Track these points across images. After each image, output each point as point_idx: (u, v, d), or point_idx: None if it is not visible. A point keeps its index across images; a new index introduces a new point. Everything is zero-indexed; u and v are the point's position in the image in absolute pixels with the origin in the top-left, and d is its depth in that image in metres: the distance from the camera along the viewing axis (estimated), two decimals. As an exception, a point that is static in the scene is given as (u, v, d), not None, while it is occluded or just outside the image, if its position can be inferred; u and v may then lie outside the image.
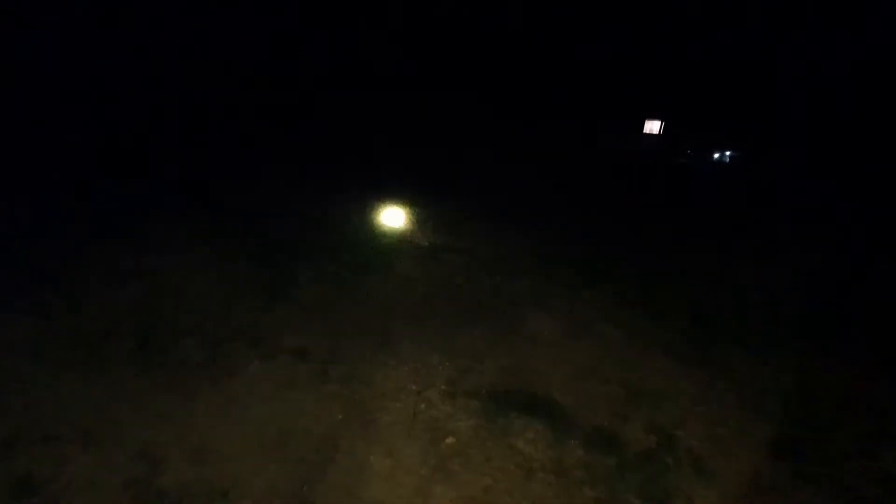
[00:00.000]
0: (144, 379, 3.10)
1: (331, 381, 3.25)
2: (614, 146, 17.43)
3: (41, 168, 7.12)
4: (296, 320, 3.99)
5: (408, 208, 7.48)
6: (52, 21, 8.45)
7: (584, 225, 7.51)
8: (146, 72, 9.93)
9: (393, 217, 7.03)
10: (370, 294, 4.57)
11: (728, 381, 3.55)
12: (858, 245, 7.59)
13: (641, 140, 18.91)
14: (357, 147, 10.19)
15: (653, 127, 19.89)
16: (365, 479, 2.49)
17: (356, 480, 2.48)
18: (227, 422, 2.80)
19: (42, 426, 2.65)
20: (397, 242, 6.02)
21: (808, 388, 3.57)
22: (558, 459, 2.70)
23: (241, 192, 7.63)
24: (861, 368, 3.86)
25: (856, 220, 9.27)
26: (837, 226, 8.81)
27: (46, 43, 8.38)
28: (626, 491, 2.52)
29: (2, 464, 2.40)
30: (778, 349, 4.07)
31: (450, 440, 2.80)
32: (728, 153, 18.54)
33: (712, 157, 18.39)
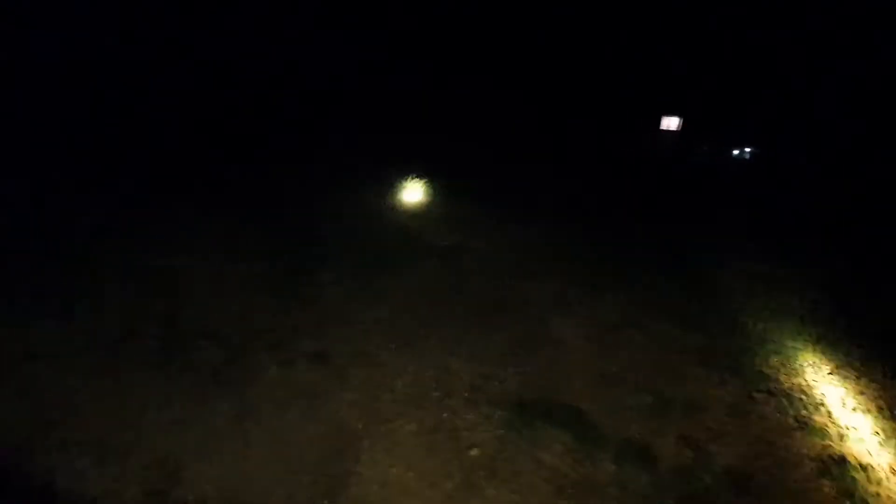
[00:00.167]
0: (164, 384, 3.04)
1: (350, 388, 3.16)
2: (632, 143, 17.11)
3: (54, 168, 7.13)
4: (313, 322, 3.91)
5: (423, 208, 7.38)
6: (56, 18, 8.44)
7: (602, 224, 7.32)
8: (152, 70, 9.91)
9: (408, 216, 6.93)
10: (388, 295, 4.47)
11: (765, 392, 3.39)
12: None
13: (659, 137, 18.55)
14: (369, 147, 10.10)
15: (671, 124, 19.51)
16: (388, 493, 2.40)
17: (379, 495, 2.39)
18: (246, 430, 2.73)
19: (61, 433, 2.60)
20: (413, 242, 5.92)
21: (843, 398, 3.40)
22: (589, 475, 2.58)
23: (256, 191, 7.59)
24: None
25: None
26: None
27: (51, 41, 8.37)
28: (662, 510, 2.40)
29: (21, 473, 2.35)
30: (825, 360, 3.90)
31: (474, 452, 2.70)
32: (748, 150, 18.09)
33: (731, 154, 17.97)
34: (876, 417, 3.20)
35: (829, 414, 3.25)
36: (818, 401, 3.38)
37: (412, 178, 8.47)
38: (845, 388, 3.53)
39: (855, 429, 3.09)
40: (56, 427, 2.65)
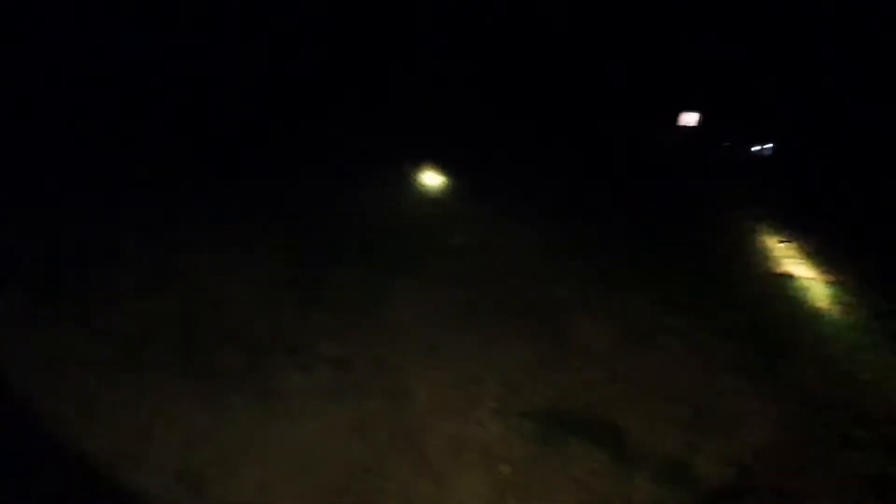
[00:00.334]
0: (184, 391, 2.96)
1: (373, 396, 3.06)
2: (650, 139, 16.79)
3: (66, 168, 7.12)
4: (333, 326, 3.81)
5: (438, 207, 7.25)
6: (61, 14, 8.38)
7: (621, 222, 7.12)
8: (154, 67, 9.86)
9: (425, 215, 6.81)
10: (407, 298, 4.36)
11: (809, 405, 3.21)
12: None
13: (678, 133, 18.18)
14: (381, 147, 9.99)
15: (689, 119, 19.10)
16: (416, 512, 2.29)
17: (407, 514, 2.28)
18: (268, 441, 2.63)
19: (79, 444, 2.53)
20: (431, 241, 5.79)
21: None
22: (627, 495, 2.45)
23: (270, 190, 7.52)
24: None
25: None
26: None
27: (56, 37, 8.32)
28: (708, 535, 2.26)
29: (36, 487, 2.28)
30: (852, 365, 3.71)
31: (505, 469, 2.57)
32: (769, 145, 17.66)
33: (751, 150, 17.55)
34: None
35: (877, 428, 3.08)
36: (862, 413, 3.21)
37: (427, 178, 8.34)
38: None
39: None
40: (73, 436, 2.58)
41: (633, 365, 3.54)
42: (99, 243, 4.97)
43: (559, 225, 6.65)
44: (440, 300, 4.34)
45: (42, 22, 8.44)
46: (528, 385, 3.25)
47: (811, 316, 4.52)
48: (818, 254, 6.14)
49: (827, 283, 5.22)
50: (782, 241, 6.53)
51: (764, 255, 6.01)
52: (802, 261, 5.80)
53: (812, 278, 5.31)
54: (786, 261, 5.79)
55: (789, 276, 5.34)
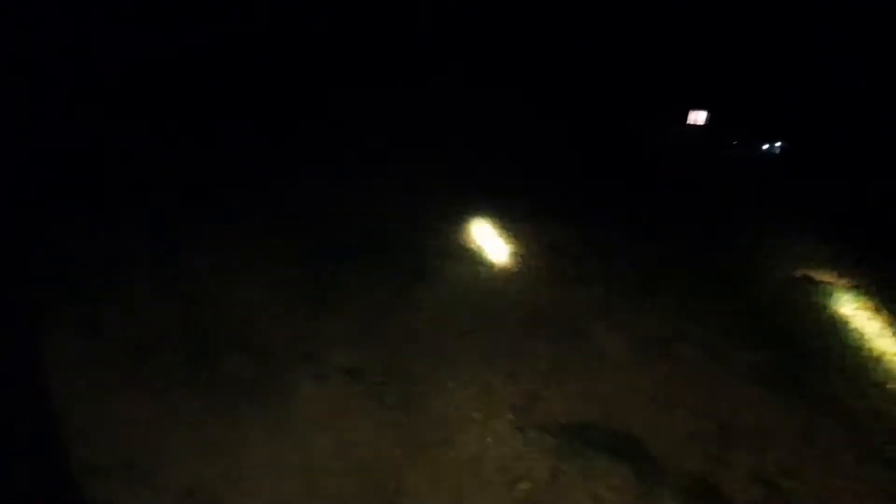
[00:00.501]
0: (193, 401, 2.91)
1: (388, 407, 2.98)
2: (658, 138, 16.61)
3: (72, 173, 7.09)
4: (346, 333, 3.74)
5: (449, 208, 7.16)
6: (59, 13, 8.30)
7: (635, 224, 7.01)
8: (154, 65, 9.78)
9: (435, 217, 6.72)
10: (420, 304, 4.28)
11: (835, 417, 3.11)
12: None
13: (686, 131, 17.98)
14: (390, 146, 9.91)
15: (697, 118, 18.88)
16: (435, 532, 2.21)
17: (426, 534, 2.20)
18: (280, 454, 2.57)
19: (85, 457, 2.47)
20: (442, 245, 5.70)
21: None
22: (653, 514, 2.36)
23: (280, 191, 7.46)
24: None
25: None
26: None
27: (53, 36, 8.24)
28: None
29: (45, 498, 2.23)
30: (879, 374, 3.59)
31: (524, 485, 2.49)
32: (778, 144, 17.42)
33: (760, 149, 17.33)
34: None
35: (908, 443, 2.96)
36: (893, 425, 3.10)
37: (436, 180, 8.24)
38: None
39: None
40: (79, 449, 2.52)
41: (652, 375, 3.45)
42: (102, 247, 4.93)
43: (573, 227, 6.54)
44: (453, 307, 4.26)
45: (42, 21, 8.38)
46: (543, 395, 3.16)
47: (834, 322, 4.39)
48: (837, 257, 6.00)
49: (848, 287, 5.09)
50: (799, 244, 6.41)
51: (782, 259, 5.88)
52: (821, 264, 5.67)
53: (832, 282, 5.18)
54: (804, 264, 5.66)
55: (809, 280, 5.21)
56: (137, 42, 9.63)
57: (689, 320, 4.23)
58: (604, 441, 2.79)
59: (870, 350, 3.98)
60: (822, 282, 5.21)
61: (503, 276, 4.90)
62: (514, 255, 5.43)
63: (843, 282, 5.19)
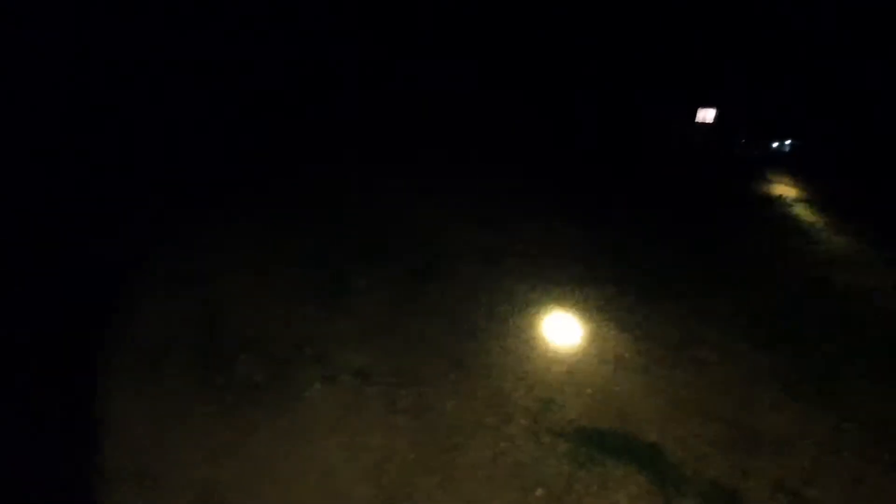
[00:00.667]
0: (204, 404, 2.87)
1: (399, 411, 2.93)
2: (667, 136, 16.43)
3: (83, 174, 7.07)
4: (356, 334, 3.70)
5: (458, 209, 7.09)
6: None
7: (646, 225, 6.92)
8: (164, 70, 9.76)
9: (444, 218, 6.66)
10: (431, 304, 4.23)
11: (858, 423, 3.03)
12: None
13: (694, 129, 17.78)
14: (397, 147, 9.86)
15: (706, 116, 18.67)
16: (450, 541, 2.16)
17: (440, 543, 2.15)
18: (290, 459, 2.52)
19: (98, 460, 2.44)
20: (452, 245, 5.64)
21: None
22: (674, 524, 2.29)
23: (290, 192, 7.43)
24: None
25: None
26: None
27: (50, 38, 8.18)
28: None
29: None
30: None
31: (540, 492, 2.43)
32: (788, 142, 17.18)
33: (770, 147, 17.10)
34: None
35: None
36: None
37: (443, 180, 8.19)
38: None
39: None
40: (91, 452, 2.49)
41: (669, 379, 3.38)
42: (115, 248, 4.91)
43: (582, 227, 6.47)
44: (462, 307, 4.20)
45: (42, 20, 8.35)
46: (557, 400, 3.10)
47: (855, 323, 4.30)
48: (856, 255, 5.90)
49: (868, 287, 4.99)
50: (817, 243, 6.30)
51: (799, 258, 5.78)
52: (840, 264, 5.57)
53: (851, 283, 5.08)
54: (822, 264, 5.56)
55: (827, 281, 5.12)
56: (135, 42, 9.61)
57: (705, 323, 4.16)
58: (620, 446, 2.73)
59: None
60: (840, 282, 5.12)
61: (510, 275, 4.84)
62: (520, 254, 5.38)
63: (862, 282, 5.10)
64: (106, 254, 4.72)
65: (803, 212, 8.34)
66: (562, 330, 3.95)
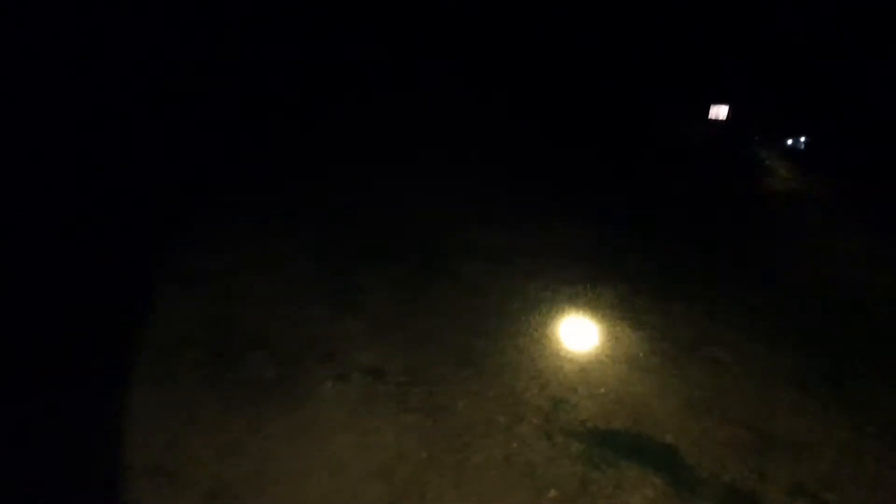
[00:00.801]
0: (215, 400, 2.88)
1: (411, 409, 2.92)
2: (680, 134, 16.27)
3: (94, 172, 7.15)
4: (367, 331, 3.69)
5: (464, 206, 7.08)
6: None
7: (657, 223, 6.86)
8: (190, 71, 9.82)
9: (451, 215, 6.64)
10: (440, 302, 4.22)
11: (879, 427, 2.96)
12: None
13: (707, 127, 17.56)
14: (401, 147, 9.85)
15: (719, 112, 18.43)
16: (463, 541, 2.14)
17: (453, 543, 2.13)
18: (303, 458, 2.51)
19: (107, 457, 2.45)
20: (459, 243, 5.63)
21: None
22: (691, 528, 2.25)
23: (291, 192, 7.46)
24: None
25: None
26: None
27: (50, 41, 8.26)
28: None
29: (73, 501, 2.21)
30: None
31: (553, 494, 2.40)
32: (802, 139, 16.92)
33: (785, 144, 16.84)
34: None
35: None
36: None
37: (450, 179, 8.16)
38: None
39: None
40: (100, 449, 2.50)
41: (683, 379, 3.32)
42: (126, 248, 4.95)
43: (590, 225, 6.42)
44: (472, 304, 4.18)
45: (42, 20, 8.44)
46: (569, 399, 3.07)
47: (874, 323, 4.21)
48: (870, 253, 5.79)
49: (885, 286, 4.89)
50: (832, 242, 6.18)
51: (814, 256, 5.68)
52: (856, 262, 5.46)
53: (868, 282, 4.98)
54: (841, 263, 5.46)
55: (847, 280, 5.02)
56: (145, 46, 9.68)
57: (720, 323, 4.11)
58: (634, 447, 2.69)
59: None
60: (856, 281, 5.01)
61: (518, 274, 4.81)
62: (528, 252, 5.34)
63: (878, 280, 4.99)
64: (108, 254, 4.76)
65: (817, 210, 8.21)
66: (574, 329, 3.91)
